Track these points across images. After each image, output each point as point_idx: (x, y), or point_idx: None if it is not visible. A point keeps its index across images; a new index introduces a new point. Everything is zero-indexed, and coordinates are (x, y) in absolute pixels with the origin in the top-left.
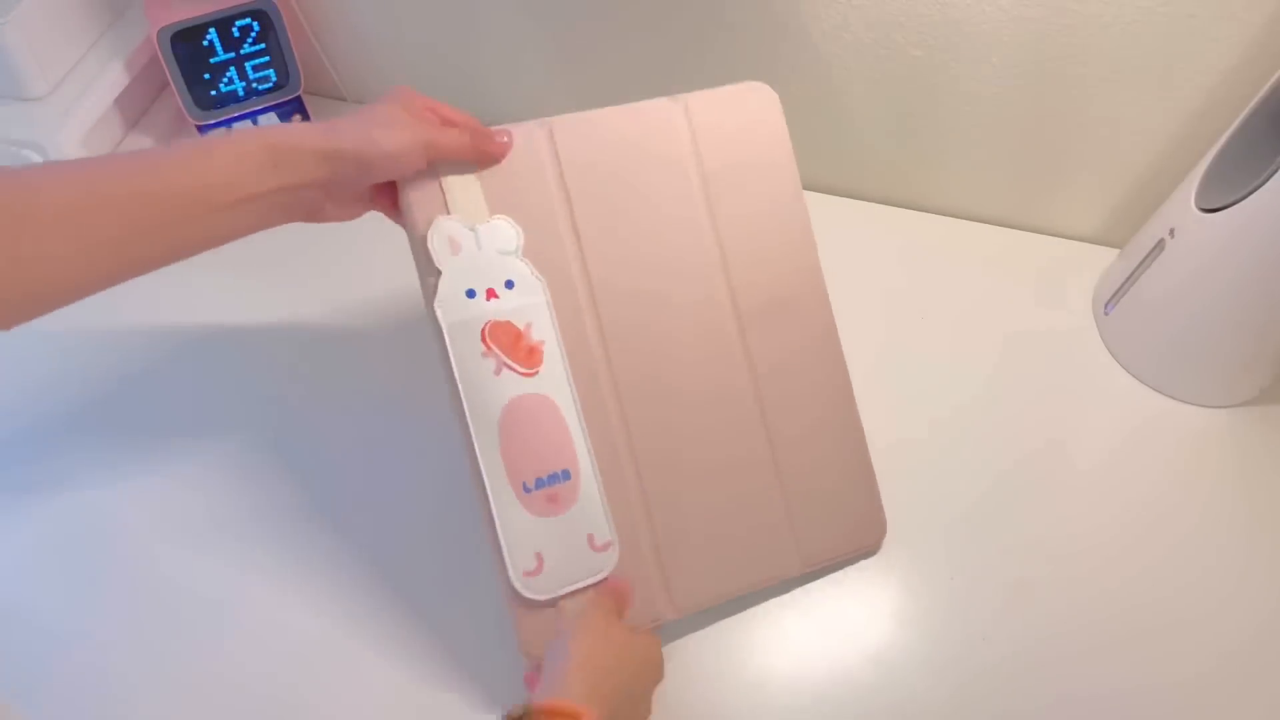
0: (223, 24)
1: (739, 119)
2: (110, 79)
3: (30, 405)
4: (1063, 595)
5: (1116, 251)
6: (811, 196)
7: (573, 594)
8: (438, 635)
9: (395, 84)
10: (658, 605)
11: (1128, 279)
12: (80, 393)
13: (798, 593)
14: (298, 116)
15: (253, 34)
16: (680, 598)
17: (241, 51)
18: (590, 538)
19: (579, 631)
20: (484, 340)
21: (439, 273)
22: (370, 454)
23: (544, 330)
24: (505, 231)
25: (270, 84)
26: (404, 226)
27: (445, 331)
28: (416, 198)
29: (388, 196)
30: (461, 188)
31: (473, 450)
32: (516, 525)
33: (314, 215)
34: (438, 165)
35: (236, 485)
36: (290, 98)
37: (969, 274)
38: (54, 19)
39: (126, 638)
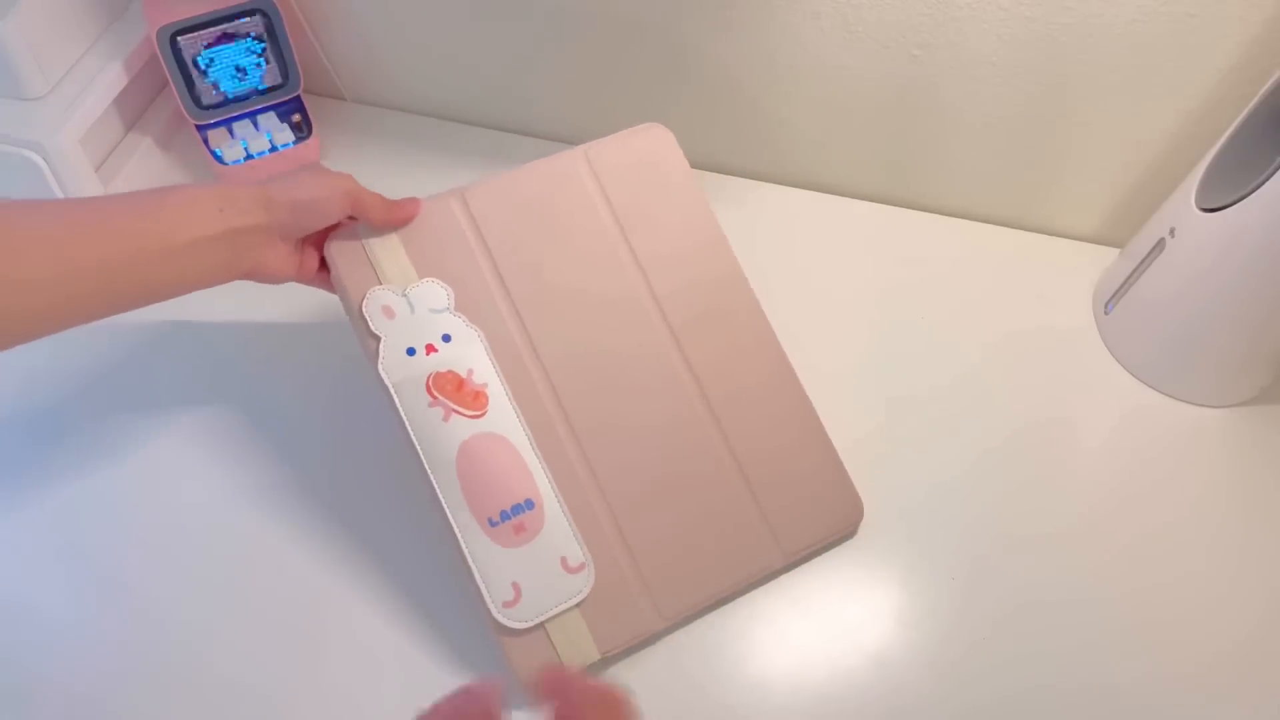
0: (222, 23)
1: (638, 158)
2: (109, 78)
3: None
4: (1062, 594)
5: (1116, 251)
6: (810, 196)
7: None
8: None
9: (396, 84)
10: (644, 617)
11: (1128, 279)
12: (46, 387)
13: (796, 593)
14: (297, 117)
15: (253, 34)
16: (666, 607)
17: None
18: (563, 560)
19: None
20: (429, 391)
21: (378, 338)
22: (363, 439)
23: (486, 374)
24: (435, 291)
25: (270, 84)
26: (337, 295)
27: (392, 390)
28: (348, 273)
29: (317, 264)
30: (389, 258)
31: (435, 494)
32: (488, 559)
33: (257, 268)
34: (364, 239)
35: (219, 471)
36: (290, 97)
37: (969, 274)
38: (53, 19)
39: (116, 626)
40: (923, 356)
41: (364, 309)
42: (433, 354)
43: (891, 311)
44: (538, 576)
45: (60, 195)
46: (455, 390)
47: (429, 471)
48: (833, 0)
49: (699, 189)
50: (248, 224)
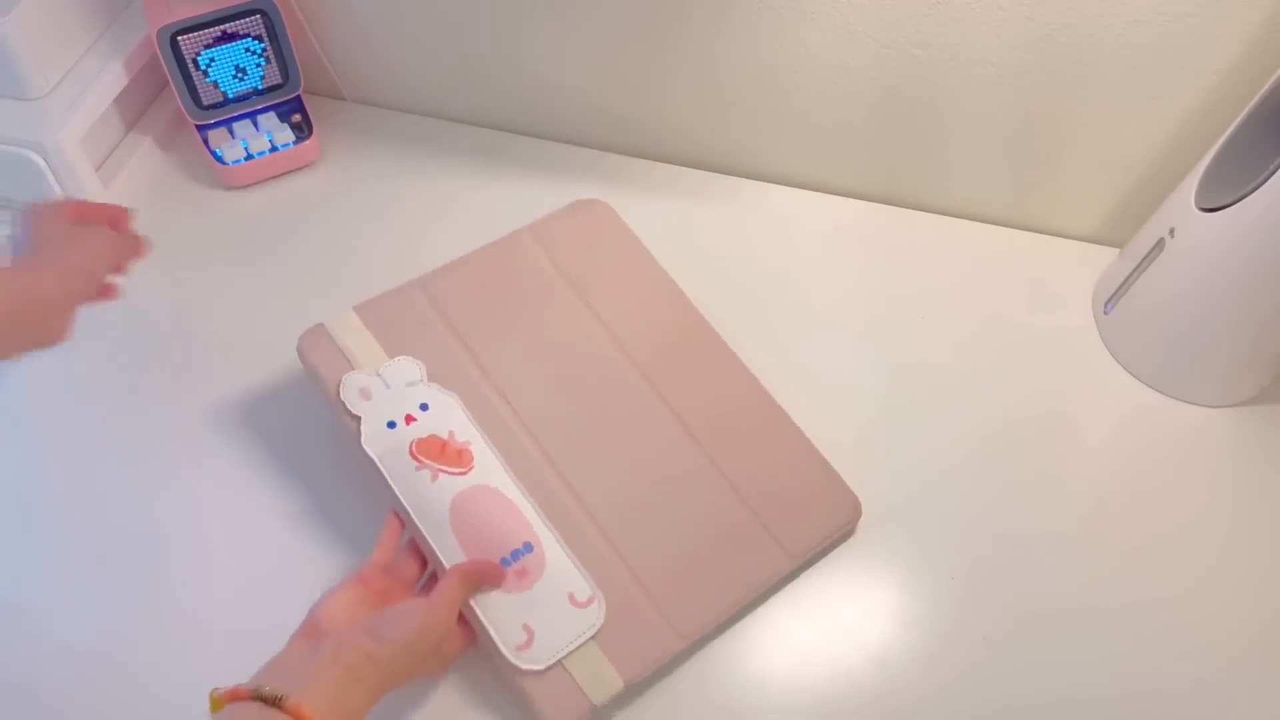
0: (222, 23)
1: (581, 229)
2: (110, 78)
3: None
4: (1062, 595)
5: (1116, 251)
6: (811, 196)
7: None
8: None
9: (396, 84)
10: (663, 640)
11: (1128, 279)
12: (55, 387)
13: (797, 594)
14: (297, 117)
15: (253, 34)
16: (683, 626)
17: None
18: (571, 596)
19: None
20: (414, 456)
21: (358, 418)
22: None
23: (467, 433)
24: (407, 367)
25: (270, 84)
26: (316, 387)
27: (378, 462)
28: (321, 364)
29: None
30: (358, 344)
31: (434, 552)
32: (496, 606)
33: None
34: (330, 331)
35: (228, 490)
36: (290, 97)
37: (969, 274)
38: (54, 19)
39: (120, 635)
40: (921, 357)
41: (341, 394)
42: (412, 423)
43: (890, 312)
44: (548, 616)
45: (60, 195)
46: (439, 452)
47: (423, 530)
48: (832, 0)
49: (642, 247)
50: None
